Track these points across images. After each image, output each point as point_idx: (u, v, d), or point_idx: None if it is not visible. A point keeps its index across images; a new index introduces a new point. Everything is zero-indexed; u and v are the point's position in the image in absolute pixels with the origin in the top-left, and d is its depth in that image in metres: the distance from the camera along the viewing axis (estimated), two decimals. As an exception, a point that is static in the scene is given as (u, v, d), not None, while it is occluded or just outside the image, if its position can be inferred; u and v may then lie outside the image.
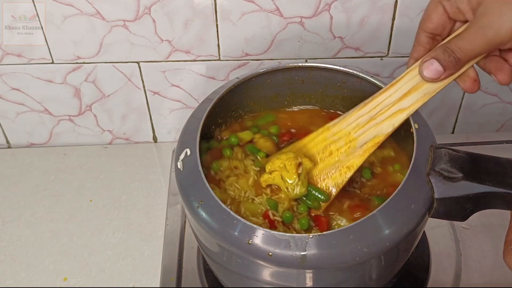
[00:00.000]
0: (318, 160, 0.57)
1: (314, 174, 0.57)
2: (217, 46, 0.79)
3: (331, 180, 0.56)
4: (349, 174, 0.56)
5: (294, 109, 0.70)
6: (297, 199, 0.57)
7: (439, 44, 0.48)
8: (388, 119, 0.52)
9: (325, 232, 0.48)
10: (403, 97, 0.51)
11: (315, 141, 0.58)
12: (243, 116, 0.69)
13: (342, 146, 0.56)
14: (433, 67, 0.47)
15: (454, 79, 0.49)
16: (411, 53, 0.50)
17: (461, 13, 0.48)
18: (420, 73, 0.48)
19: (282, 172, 0.56)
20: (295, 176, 0.55)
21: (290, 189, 0.56)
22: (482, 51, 0.46)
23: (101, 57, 0.80)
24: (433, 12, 0.49)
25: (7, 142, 0.92)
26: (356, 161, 0.55)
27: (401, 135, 0.63)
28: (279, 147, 0.63)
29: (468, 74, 0.48)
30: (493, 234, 0.70)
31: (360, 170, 0.58)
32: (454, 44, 0.46)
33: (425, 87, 0.49)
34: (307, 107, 0.70)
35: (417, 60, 0.49)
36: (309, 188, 0.56)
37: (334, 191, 0.56)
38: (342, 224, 0.55)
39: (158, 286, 0.68)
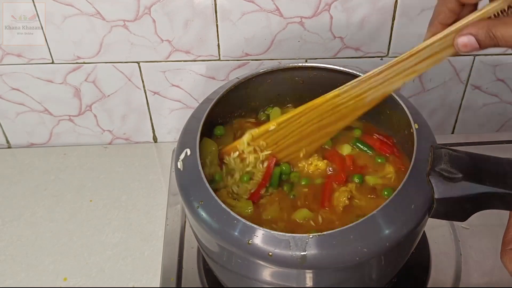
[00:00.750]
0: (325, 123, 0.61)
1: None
2: (217, 46, 0.79)
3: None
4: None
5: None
6: None
7: (478, 20, 0.48)
8: (401, 79, 0.55)
9: (325, 232, 0.48)
10: (419, 63, 0.52)
11: (323, 106, 0.60)
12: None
13: (351, 104, 0.58)
14: (469, 43, 0.48)
15: None
16: (429, 27, 0.52)
17: None
18: (456, 44, 0.49)
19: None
20: None
21: None
22: None
23: (101, 57, 0.80)
24: None
25: (7, 142, 0.92)
26: (361, 111, 0.59)
27: (401, 135, 0.63)
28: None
29: None
30: (493, 234, 0.70)
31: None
32: (498, 30, 0.47)
33: (442, 55, 0.51)
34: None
35: (434, 34, 0.51)
36: None
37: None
38: None
39: (158, 286, 0.68)
